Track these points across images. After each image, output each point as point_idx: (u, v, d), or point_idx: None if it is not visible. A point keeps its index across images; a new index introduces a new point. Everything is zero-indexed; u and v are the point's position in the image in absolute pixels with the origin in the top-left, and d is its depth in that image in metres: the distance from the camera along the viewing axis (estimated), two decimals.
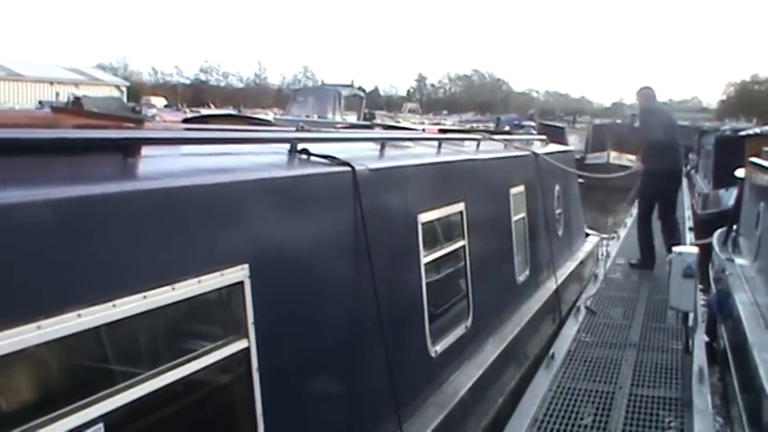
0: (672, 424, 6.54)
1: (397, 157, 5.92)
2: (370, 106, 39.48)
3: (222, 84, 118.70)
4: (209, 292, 3.21)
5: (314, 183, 4.36)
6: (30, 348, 2.37)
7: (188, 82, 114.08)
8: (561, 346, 8.48)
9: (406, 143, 6.97)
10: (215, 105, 56.70)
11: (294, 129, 6.05)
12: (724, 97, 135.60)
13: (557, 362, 7.91)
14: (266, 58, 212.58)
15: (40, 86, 51.59)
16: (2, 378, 2.39)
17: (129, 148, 3.20)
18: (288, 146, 4.50)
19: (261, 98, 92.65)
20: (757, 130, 22.91)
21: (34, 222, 2.46)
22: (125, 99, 49.84)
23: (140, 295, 2.78)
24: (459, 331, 6.45)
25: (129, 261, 2.83)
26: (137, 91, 73.03)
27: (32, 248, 2.46)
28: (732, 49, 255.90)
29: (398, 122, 26.32)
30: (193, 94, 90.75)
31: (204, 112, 24.84)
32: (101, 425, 2.57)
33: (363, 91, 35.59)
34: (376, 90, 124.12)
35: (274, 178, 4.02)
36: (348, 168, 4.55)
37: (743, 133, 22.15)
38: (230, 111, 28.44)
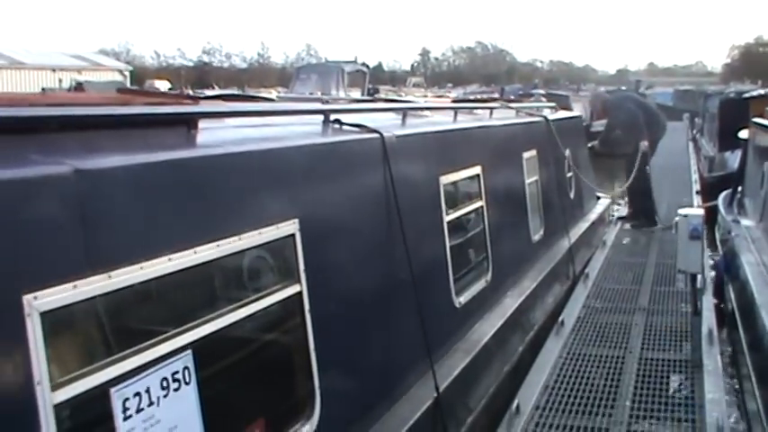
0: (682, 386, 6.59)
1: (419, 125, 6.36)
2: (374, 81, 39.52)
3: (225, 65, 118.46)
4: (269, 242, 3.69)
5: (348, 148, 4.84)
6: (135, 286, 2.83)
7: (191, 64, 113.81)
8: (571, 313, 8.54)
9: (425, 112, 7.34)
10: (219, 86, 56.55)
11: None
12: (728, 60, 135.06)
13: (566, 328, 7.97)
14: (269, 38, 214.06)
15: (42, 74, 51.46)
16: (110, 312, 2.85)
17: (191, 121, 3.68)
18: (321, 117, 4.99)
19: (264, 77, 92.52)
20: (761, 91, 22.87)
21: (137, 182, 2.95)
22: (128, 83, 49.87)
23: (214, 244, 3.25)
24: (480, 285, 6.92)
25: (204, 216, 3.33)
26: (140, 75, 72.82)
27: (133, 204, 2.92)
28: (736, 12, 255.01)
29: (401, 96, 26.30)
30: (197, 76, 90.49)
31: (208, 93, 24.84)
32: (189, 351, 3.03)
33: (367, 66, 35.56)
34: (380, 65, 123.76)
35: (315, 144, 4.57)
36: (377, 135, 4.99)
37: (746, 95, 22.11)
38: (234, 91, 28.41)
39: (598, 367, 7.00)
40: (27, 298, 2.42)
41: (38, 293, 2.45)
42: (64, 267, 2.57)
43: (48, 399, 2.44)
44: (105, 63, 64.25)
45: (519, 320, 7.68)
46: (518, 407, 6.06)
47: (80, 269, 2.61)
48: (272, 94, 23.19)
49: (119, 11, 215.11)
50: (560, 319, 8.21)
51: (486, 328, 6.70)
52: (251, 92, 30.63)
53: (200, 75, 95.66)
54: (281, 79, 75.46)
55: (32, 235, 2.50)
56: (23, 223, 2.48)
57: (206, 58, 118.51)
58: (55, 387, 2.48)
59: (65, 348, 2.66)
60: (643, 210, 13.58)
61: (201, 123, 3.74)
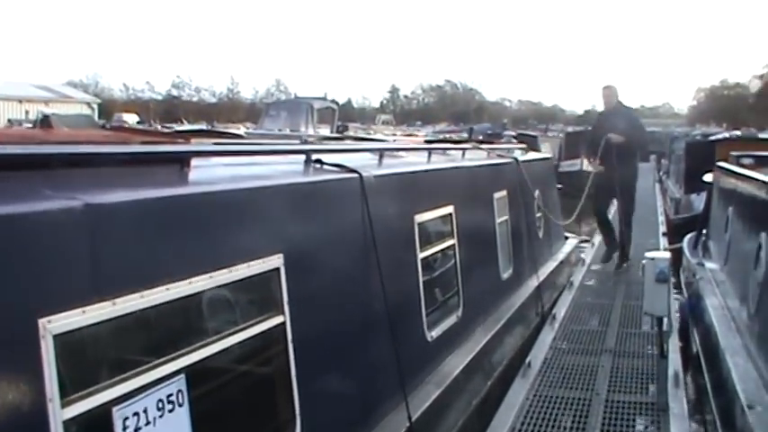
0: (648, 429, 6.60)
1: (395, 165, 6.66)
2: (344, 118, 39.55)
3: (195, 99, 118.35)
4: (255, 275, 3.91)
5: (329, 187, 5.08)
6: (136, 312, 3.03)
7: (160, 98, 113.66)
8: (537, 354, 8.52)
9: (401, 152, 7.64)
10: (188, 121, 56.54)
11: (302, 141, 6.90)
12: (695, 103, 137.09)
13: (533, 370, 7.95)
14: (238, 73, 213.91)
15: (9, 105, 51.25)
16: (113, 336, 3.03)
17: (185, 160, 3.89)
18: (303, 156, 5.23)
19: (234, 113, 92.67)
20: (726, 135, 23.19)
21: (140, 216, 3.18)
22: (96, 116, 49.62)
23: (208, 275, 3.48)
24: (451, 320, 7.17)
25: (199, 249, 3.56)
26: (108, 108, 72.63)
27: (136, 236, 3.14)
28: (702, 55, 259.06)
29: (370, 134, 26.35)
30: (166, 110, 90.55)
31: (177, 128, 24.86)
32: (183, 375, 3.23)
33: (336, 103, 35.52)
34: (349, 102, 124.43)
35: (299, 183, 4.83)
36: (356, 175, 5.21)
37: (712, 138, 22.39)
38: (202, 126, 28.36)
39: (565, 410, 6.98)
40: (42, 321, 2.63)
41: (51, 318, 2.66)
42: (74, 294, 2.79)
43: (58, 415, 2.64)
44: (73, 95, 64.08)
45: (488, 356, 7.90)
46: None
47: (88, 296, 2.82)
48: (241, 130, 23.22)
49: (87, 42, 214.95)
50: (527, 360, 8.20)
51: (457, 362, 6.91)
52: (220, 127, 30.68)
53: (169, 108, 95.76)
54: (251, 114, 75.66)
55: (47, 264, 2.72)
56: (40, 253, 2.71)
57: (175, 92, 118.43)
58: (64, 404, 2.67)
59: (73, 369, 2.81)
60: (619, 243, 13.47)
61: (193, 161, 3.95)
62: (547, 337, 9.24)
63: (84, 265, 2.86)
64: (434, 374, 6.40)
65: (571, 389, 7.54)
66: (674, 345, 8.41)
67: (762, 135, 29.37)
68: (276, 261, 4.09)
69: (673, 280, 8.56)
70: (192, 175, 3.88)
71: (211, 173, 4.23)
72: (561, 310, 10.42)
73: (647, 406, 7.06)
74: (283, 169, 4.92)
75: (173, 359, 3.22)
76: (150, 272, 3.17)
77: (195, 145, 4.45)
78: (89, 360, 3.01)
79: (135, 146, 4.03)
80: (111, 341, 3.07)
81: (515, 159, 10.95)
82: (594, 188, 13.26)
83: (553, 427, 6.62)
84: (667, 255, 7.80)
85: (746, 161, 10.49)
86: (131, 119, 53.02)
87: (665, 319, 7.43)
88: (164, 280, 3.19)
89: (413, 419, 5.39)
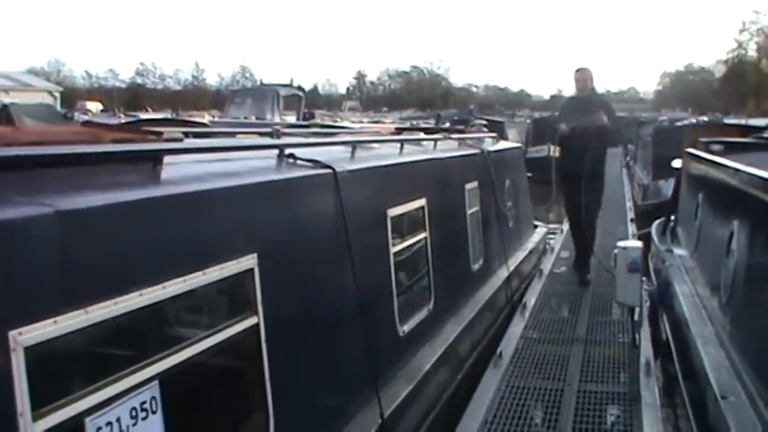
0: (620, 419, 6.57)
1: (368, 159, 6.52)
2: (310, 105, 39.32)
3: (159, 86, 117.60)
4: (230, 276, 3.85)
5: (303, 184, 5.01)
6: (108, 320, 2.96)
7: (124, 85, 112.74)
8: (509, 344, 8.48)
9: (373, 145, 7.52)
10: (152, 109, 55.96)
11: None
12: (660, 87, 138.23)
13: (504, 360, 7.91)
14: (203, 59, 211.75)
15: None
16: (86, 345, 2.98)
17: (157, 158, 3.79)
18: (276, 151, 5.20)
19: (199, 100, 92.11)
20: (693, 121, 23.29)
21: (111, 222, 3.11)
22: (59, 105, 48.98)
23: (181, 279, 3.41)
24: (422, 314, 7.13)
25: (171, 252, 3.49)
26: (71, 96, 71.75)
27: (108, 242, 3.07)
28: (667, 40, 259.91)
29: (337, 121, 26.19)
30: (130, 98, 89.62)
31: (143, 116, 24.55)
32: (156, 381, 3.18)
33: (302, 90, 35.28)
34: (315, 88, 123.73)
35: (272, 181, 4.72)
36: (330, 171, 5.16)
37: (680, 124, 22.47)
38: (167, 115, 28.04)
39: (537, 401, 6.95)
40: (12, 334, 2.56)
41: (22, 329, 2.60)
42: (45, 304, 2.72)
43: (29, 429, 2.59)
44: (34, 83, 63.13)
45: (459, 348, 7.91)
46: None
47: (60, 305, 2.75)
48: (205, 118, 22.92)
49: (48, 29, 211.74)
50: (498, 350, 8.16)
51: (428, 355, 6.90)
52: (184, 115, 30.36)
53: (133, 96, 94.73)
54: (216, 101, 75.15)
55: (17, 274, 2.65)
56: (9, 263, 2.63)
57: (139, 80, 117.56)
58: (36, 417, 2.62)
59: (45, 380, 2.74)
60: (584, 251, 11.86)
61: (165, 159, 3.86)
62: (517, 326, 9.20)
63: (55, 274, 2.79)
64: (406, 369, 6.38)
65: (543, 379, 7.52)
66: (645, 333, 8.40)
67: (728, 120, 29.63)
68: (250, 261, 4.04)
69: None
70: (164, 173, 3.79)
71: (183, 170, 4.10)
72: (531, 299, 10.39)
73: (619, 395, 7.04)
74: (256, 165, 4.84)
75: (146, 366, 3.17)
76: (123, 278, 3.12)
77: (167, 143, 4.31)
78: (61, 371, 2.96)
79: (106, 145, 3.88)
80: (84, 350, 3.02)
81: (486, 150, 10.92)
82: (561, 184, 11.77)
83: (525, 418, 6.58)
84: (639, 244, 7.74)
85: (716, 147, 10.49)
86: (95, 107, 52.28)
87: (637, 309, 7.39)
88: (137, 285, 3.14)
89: (385, 415, 5.39)
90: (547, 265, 12.62)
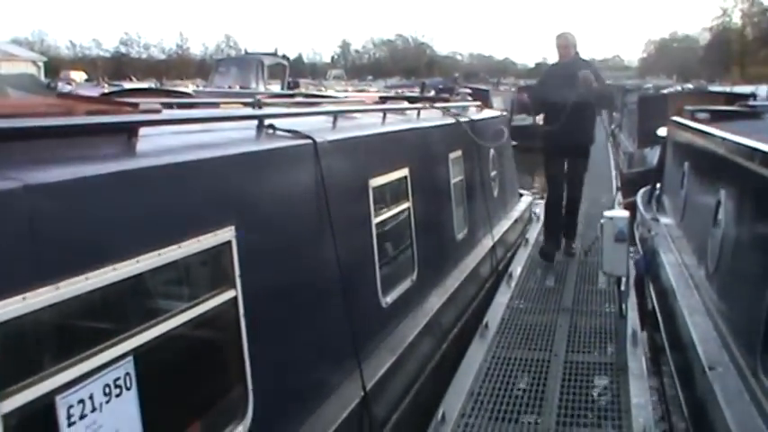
0: (608, 390, 6.56)
1: (349, 129, 6.42)
2: (295, 74, 39.00)
3: (144, 56, 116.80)
4: (206, 249, 3.79)
5: (282, 155, 4.94)
6: (81, 296, 2.90)
7: (108, 55, 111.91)
8: (495, 315, 8.45)
9: (355, 114, 7.41)
10: (136, 78, 55.60)
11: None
12: (645, 55, 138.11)
13: (491, 331, 7.88)
14: (188, 28, 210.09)
15: None
16: (57, 321, 2.91)
17: (132, 130, 3.71)
18: (256, 122, 5.12)
19: (184, 69, 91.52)
20: (679, 88, 23.24)
21: (82, 195, 3.03)
22: (42, 75, 48.60)
23: (156, 252, 3.35)
24: (406, 284, 7.06)
25: (146, 225, 3.41)
26: (55, 66, 71.08)
27: (79, 216, 3.01)
28: (652, 7, 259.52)
29: (322, 90, 26.04)
30: (114, 67, 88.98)
31: (127, 85, 24.38)
32: (131, 357, 3.14)
33: (287, 59, 35.01)
34: (300, 57, 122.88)
35: (250, 152, 4.62)
36: (310, 141, 5.09)
37: (665, 91, 22.42)
38: (151, 84, 27.87)
39: (523, 371, 6.92)
40: None
41: None
42: (14, 280, 2.65)
43: None
44: (18, 53, 62.54)
45: (443, 318, 7.84)
46: (443, 415, 5.98)
47: (29, 282, 2.69)
48: (189, 87, 22.78)
49: (32, 1, 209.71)
50: (484, 321, 8.12)
51: (412, 326, 6.84)
52: (168, 85, 30.16)
53: (118, 66, 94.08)
54: (201, 70, 74.76)
55: None
56: None
57: (123, 49, 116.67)
58: (3, 397, 2.55)
59: (13, 359, 2.70)
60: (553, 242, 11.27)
61: (142, 130, 3.79)
62: (503, 296, 9.17)
63: (23, 250, 2.72)
64: (389, 340, 6.33)
65: (529, 350, 7.48)
66: (631, 303, 8.37)
67: (713, 88, 29.59)
68: (227, 234, 3.97)
69: None
70: (140, 145, 3.71)
71: (159, 142, 4.02)
72: (517, 269, 10.35)
73: (606, 366, 7.02)
74: (235, 136, 4.76)
75: (120, 342, 3.12)
76: (96, 252, 3.05)
77: (142, 114, 4.20)
78: (30, 349, 2.89)
79: (79, 117, 3.78)
80: (55, 327, 2.96)
81: (470, 118, 10.79)
82: (544, 155, 11.27)
83: (512, 389, 6.55)
84: (626, 213, 7.73)
85: (701, 116, 10.45)
86: (79, 76, 51.90)
87: (624, 279, 7.37)
88: (110, 260, 3.07)
89: (367, 388, 5.35)
90: (532, 234, 12.54)
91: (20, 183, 2.71)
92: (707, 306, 6.99)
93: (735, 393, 5.29)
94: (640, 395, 6.32)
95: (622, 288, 7.42)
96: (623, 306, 7.47)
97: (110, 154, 3.51)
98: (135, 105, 4.35)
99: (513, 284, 9.65)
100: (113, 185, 3.25)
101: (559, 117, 10.12)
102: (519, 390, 6.55)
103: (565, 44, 10.94)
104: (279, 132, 5.08)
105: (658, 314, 8.83)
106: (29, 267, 2.73)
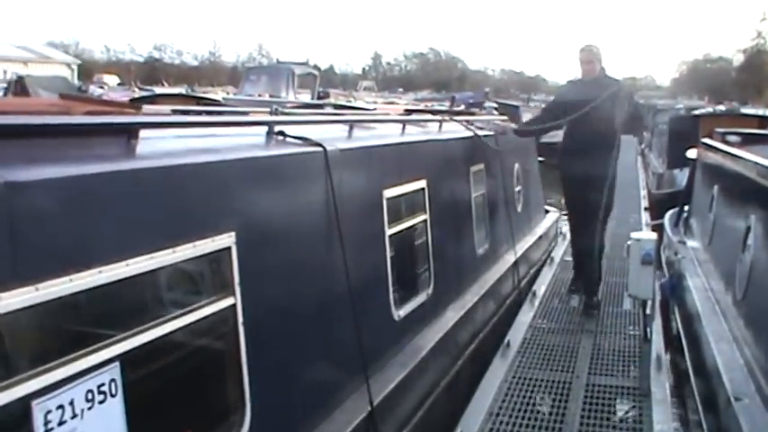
0: (630, 414, 6.46)
1: (365, 138, 6.31)
2: (325, 84, 39.22)
3: (176, 62, 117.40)
4: (203, 255, 3.74)
5: (289, 161, 4.82)
6: (63, 298, 2.84)
7: (141, 60, 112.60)
8: (517, 334, 8.37)
9: (373, 125, 7.31)
10: (168, 83, 56.03)
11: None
12: (677, 75, 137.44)
13: (512, 350, 7.79)
14: (221, 36, 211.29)
15: None
16: (36, 324, 2.87)
17: (132, 131, 3.62)
18: (266, 128, 4.97)
19: (215, 76, 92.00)
20: (710, 110, 23.03)
21: (69, 195, 2.97)
22: (76, 77, 49.07)
23: (148, 256, 3.29)
24: (420, 298, 6.91)
25: (138, 228, 3.35)
26: (88, 69, 71.82)
27: (64, 216, 2.95)
28: (685, 29, 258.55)
29: (351, 101, 26.06)
30: (147, 72, 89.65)
31: (158, 90, 24.55)
32: (117, 363, 3.06)
33: (318, 69, 35.27)
34: (331, 68, 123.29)
35: (255, 157, 4.51)
36: (320, 149, 4.98)
37: (697, 113, 22.20)
38: (181, 90, 28.02)
39: (544, 393, 6.85)
40: None
41: None
42: None
43: None
44: (53, 56, 63.36)
45: (460, 335, 7.68)
46: None
47: (7, 282, 2.64)
48: (219, 95, 22.90)
49: (69, 3, 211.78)
50: (506, 340, 8.04)
51: (426, 341, 6.69)
52: (200, 91, 30.32)
53: (150, 71, 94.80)
54: (232, 78, 75.06)
55: None
56: None
57: (157, 55, 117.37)
58: None
59: None
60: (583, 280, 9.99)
61: (143, 132, 3.70)
62: (526, 315, 9.08)
63: (1, 249, 2.67)
64: (401, 354, 6.19)
65: (551, 371, 7.40)
66: (656, 326, 8.23)
67: (745, 110, 29.32)
68: (227, 240, 3.91)
69: None
70: (141, 147, 3.63)
71: (162, 146, 3.95)
72: (541, 288, 10.25)
73: (629, 390, 6.92)
74: (241, 142, 4.66)
75: (105, 347, 3.04)
76: (80, 254, 2.99)
77: (143, 116, 4.18)
78: (6, 351, 2.82)
79: (76, 117, 3.78)
80: (34, 330, 2.91)
81: (494, 132, 10.52)
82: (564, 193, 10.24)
83: (532, 410, 6.47)
84: (653, 236, 7.58)
85: (733, 138, 10.31)
86: (112, 80, 52.44)
87: (649, 302, 7.25)
88: (96, 263, 3.00)
89: (374, 403, 5.24)
90: (558, 253, 12.46)
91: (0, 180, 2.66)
92: (734, 333, 6.86)
93: (762, 427, 5.17)
94: (663, 422, 6.21)
95: (648, 311, 7.29)
96: (648, 330, 7.34)
97: (107, 154, 3.45)
98: (137, 108, 4.33)
99: (536, 303, 9.55)
100: (102, 185, 3.19)
101: (575, 144, 9.34)
102: (539, 411, 6.46)
103: (589, 59, 9.50)
104: (288, 139, 4.98)
105: (683, 339, 8.70)
106: (7, 267, 2.68)
